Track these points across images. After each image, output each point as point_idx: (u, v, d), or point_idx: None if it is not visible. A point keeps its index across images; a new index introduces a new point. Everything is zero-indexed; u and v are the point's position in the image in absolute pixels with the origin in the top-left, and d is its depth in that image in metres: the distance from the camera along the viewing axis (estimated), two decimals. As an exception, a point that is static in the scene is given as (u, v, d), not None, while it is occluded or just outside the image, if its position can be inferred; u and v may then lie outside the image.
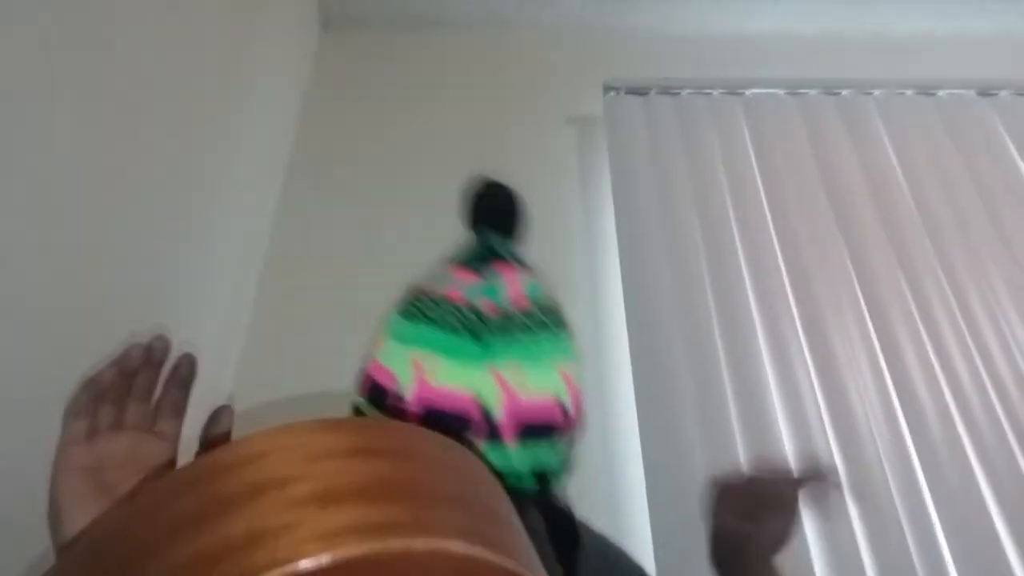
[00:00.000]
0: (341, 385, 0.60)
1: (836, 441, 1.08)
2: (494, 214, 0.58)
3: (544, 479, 0.46)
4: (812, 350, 1.16)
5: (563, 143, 1.52)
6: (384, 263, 1.35)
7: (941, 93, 1.54)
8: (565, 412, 0.47)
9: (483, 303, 0.49)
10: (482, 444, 0.44)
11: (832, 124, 1.45)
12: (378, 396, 0.47)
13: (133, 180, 0.83)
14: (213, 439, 0.41)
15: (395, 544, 0.20)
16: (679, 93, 1.49)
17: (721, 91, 1.50)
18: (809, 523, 1.01)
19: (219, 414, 0.42)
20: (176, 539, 0.21)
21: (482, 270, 0.52)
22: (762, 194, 1.35)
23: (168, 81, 0.92)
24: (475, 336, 0.47)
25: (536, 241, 1.36)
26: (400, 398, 0.45)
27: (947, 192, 1.36)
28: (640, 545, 1.05)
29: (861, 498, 1.03)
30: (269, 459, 0.23)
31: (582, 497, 1.09)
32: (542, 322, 0.49)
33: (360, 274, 1.31)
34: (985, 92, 1.54)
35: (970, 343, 1.18)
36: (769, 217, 1.32)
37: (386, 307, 1.40)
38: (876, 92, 1.53)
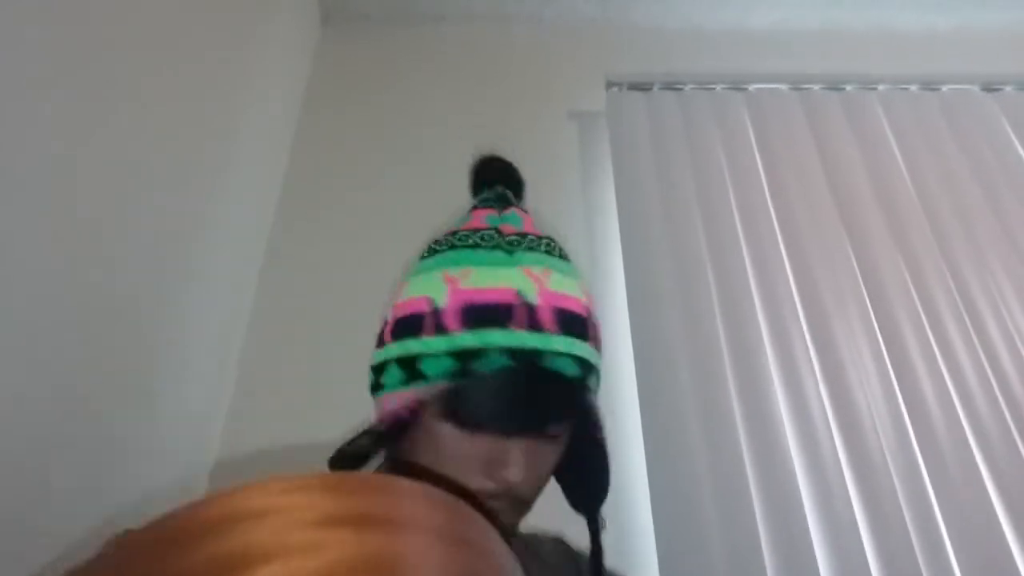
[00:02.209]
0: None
1: (840, 436, 1.08)
2: (501, 175, 0.61)
3: (586, 366, 0.47)
4: (816, 345, 1.16)
5: (565, 138, 1.52)
6: (385, 261, 1.34)
7: (945, 88, 1.53)
8: (588, 313, 0.49)
9: (503, 226, 0.52)
10: (523, 332, 0.45)
11: (835, 119, 1.45)
12: (410, 327, 0.47)
13: (132, 179, 0.83)
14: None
15: None
16: (682, 88, 1.49)
17: (724, 86, 1.49)
18: (811, 514, 1.01)
19: None
20: None
21: (500, 208, 0.55)
22: (765, 189, 1.34)
23: (168, 77, 0.91)
24: (503, 249, 0.49)
25: (538, 237, 1.36)
26: (437, 312, 0.46)
27: (950, 187, 1.36)
28: (640, 546, 1.05)
29: (864, 493, 1.02)
30: (239, 528, 0.22)
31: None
32: (557, 247, 0.53)
33: (361, 273, 1.31)
34: (989, 87, 1.54)
35: (974, 337, 1.18)
36: (772, 212, 1.31)
37: (384, 300, 1.39)
38: (880, 87, 1.52)
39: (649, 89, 1.48)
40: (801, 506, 1.00)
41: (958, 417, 1.09)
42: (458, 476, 0.45)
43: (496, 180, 0.60)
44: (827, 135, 1.42)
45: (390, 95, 1.57)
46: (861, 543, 0.98)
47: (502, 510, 0.46)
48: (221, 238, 1.11)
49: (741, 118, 1.44)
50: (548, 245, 0.52)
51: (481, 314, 0.45)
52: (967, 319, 1.20)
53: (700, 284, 1.20)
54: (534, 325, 0.45)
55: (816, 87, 1.50)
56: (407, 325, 0.48)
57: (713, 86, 1.49)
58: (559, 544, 0.62)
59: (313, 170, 1.44)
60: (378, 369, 0.50)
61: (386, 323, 0.51)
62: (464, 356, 0.44)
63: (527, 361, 0.44)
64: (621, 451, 1.14)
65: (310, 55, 1.61)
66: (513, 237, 0.51)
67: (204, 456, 1.06)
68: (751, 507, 1.00)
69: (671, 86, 1.48)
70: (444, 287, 0.47)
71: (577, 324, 0.47)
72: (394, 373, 0.48)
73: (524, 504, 0.48)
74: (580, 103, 1.55)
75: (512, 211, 0.55)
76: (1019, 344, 1.17)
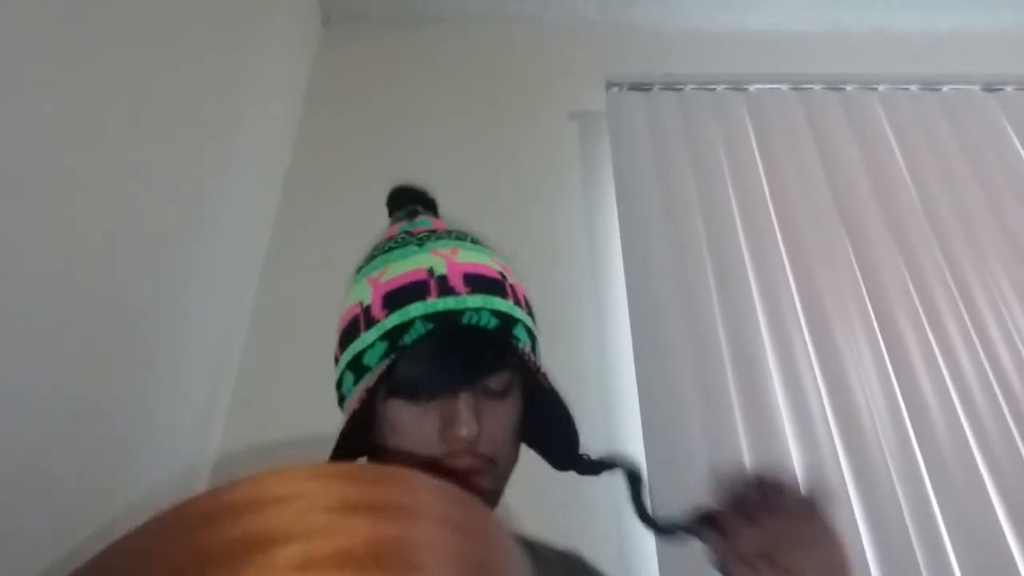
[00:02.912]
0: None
1: (839, 436, 1.08)
2: (411, 198, 0.67)
3: (505, 320, 0.51)
4: (816, 345, 1.16)
5: (565, 139, 1.52)
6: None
7: (945, 88, 1.53)
8: (504, 276, 0.54)
9: (414, 230, 0.57)
10: (437, 299, 0.49)
11: (836, 119, 1.45)
12: (350, 332, 0.52)
13: (133, 179, 0.83)
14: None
15: None
16: (682, 88, 1.49)
17: (724, 86, 1.49)
18: None
19: None
20: None
21: (410, 219, 0.61)
22: (766, 190, 1.34)
23: (168, 77, 0.91)
24: (413, 244, 0.54)
25: (538, 238, 1.37)
26: (366, 310, 0.51)
27: (951, 187, 1.36)
28: (640, 547, 1.05)
29: (864, 492, 1.02)
30: (257, 512, 0.23)
31: (583, 497, 1.09)
32: (465, 234, 0.58)
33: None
34: (990, 87, 1.53)
35: (974, 337, 1.17)
36: (773, 213, 1.31)
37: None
38: (880, 87, 1.52)
39: (649, 89, 1.48)
40: (801, 507, 1.00)
41: (958, 416, 1.09)
42: (420, 448, 0.48)
43: (406, 203, 0.66)
44: (827, 135, 1.42)
45: (391, 95, 1.57)
46: (861, 544, 0.98)
47: (479, 477, 0.49)
48: (221, 238, 1.11)
49: (741, 118, 1.44)
50: (458, 234, 0.57)
51: (399, 295, 0.50)
52: (967, 319, 1.20)
53: (700, 284, 1.20)
54: (446, 291, 0.49)
55: (816, 87, 1.50)
56: (347, 332, 0.53)
57: (713, 86, 1.49)
58: (571, 557, 0.64)
59: (314, 170, 1.45)
60: (338, 384, 0.55)
61: (337, 333, 0.56)
62: (392, 335, 0.49)
63: (446, 323, 0.49)
64: (621, 451, 1.14)
65: (311, 55, 1.61)
66: (423, 234, 0.56)
67: (205, 456, 1.07)
68: (751, 507, 1.00)
69: (671, 86, 1.48)
70: (368, 288, 0.52)
71: (489, 283, 0.51)
72: (348, 378, 0.52)
73: (494, 465, 0.50)
74: (580, 103, 1.55)
75: (420, 218, 0.60)
76: (1019, 343, 1.17)
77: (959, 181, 1.37)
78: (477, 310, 0.49)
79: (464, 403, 0.47)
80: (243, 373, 1.18)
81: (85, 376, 0.74)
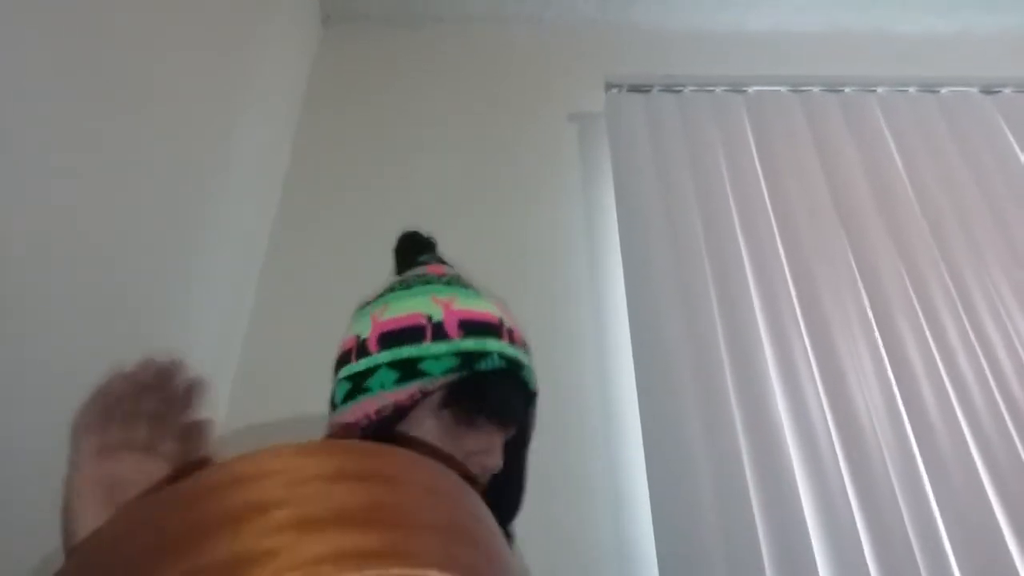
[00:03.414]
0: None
1: (839, 438, 1.08)
2: (416, 248, 0.73)
3: (512, 363, 0.56)
4: (815, 347, 1.16)
5: (565, 139, 1.52)
6: (385, 261, 1.34)
7: (944, 90, 1.53)
8: (501, 320, 0.58)
9: (406, 278, 0.63)
10: (506, 344, 0.56)
11: (835, 121, 1.45)
12: (344, 360, 0.58)
13: (133, 179, 0.83)
14: (198, 458, 0.44)
15: (371, 574, 0.21)
16: (681, 90, 1.49)
17: (723, 88, 1.49)
18: (810, 514, 1.01)
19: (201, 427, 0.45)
20: (160, 561, 0.21)
21: (408, 270, 0.66)
22: (764, 191, 1.35)
23: (168, 77, 0.91)
24: (410, 286, 0.60)
25: (537, 239, 1.37)
26: (363, 342, 0.56)
27: (949, 188, 1.36)
28: (640, 549, 1.05)
29: (864, 495, 1.03)
30: (254, 483, 0.24)
31: (584, 498, 1.10)
32: (459, 278, 0.63)
33: (361, 272, 1.31)
34: (988, 89, 1.54)
35: (972, 339, 1.18)
36: (771, 214, 1.32)
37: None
38: (879, 89, 1.52)
39: (648, 91, 1.48)
40: (801, 509, 1.01)
41: (957, 419, 1.10)
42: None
43: (413, 256, 0.71)
44: (826, 137, 1.42)
45: (390, 96, 1.57)
46: (860, 545, 0.98)
47: None
48: (222, 238, 1.11)
49: (740, 120, 1.45)
50: (451, 279, 0.63)
51: (477, 327, 0.56)
52: (966, 321, 1.20)
53: (699, 284, 1.20)
54: (512, 341, 0.57)
55: (815, 89, 1.51)
56: (342, 358, 0.59)
57: (712, 88, 1.49)
58: None
59: (313, 170, 1.45)
60: (359, 376, 0.56)
61: (357, 342, 0.59)
62: (465, 357, 0.54)
63: (513, 365, 0.55)
64: (621, 454, 1.14)
65: (310, 56, 1.61)
66: (416, 280, 0.62)
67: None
68: (751, 510, 1.00)
69: (671, 88, 1.49)
70: (369, 323, 0.58)
71: (488, 327, 0.57)
72: (387, 375, 0.55)
73: None
74: (580, 104, 1.55)
75: (421, 268, 0.65)
76: (1017, 345, 1.17)
77: (957, 182, 1.37)
78: (525, 367, 0.57)
79: (501, 439, 0.54)
80: (243, 374, 1.18)
81: (85, 377, 0.73)
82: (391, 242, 1.34)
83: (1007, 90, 1.54)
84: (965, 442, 1.07)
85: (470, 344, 0.54)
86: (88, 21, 0.72)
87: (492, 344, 0.54)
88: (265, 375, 1.18)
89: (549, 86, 1.60)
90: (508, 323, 0.58)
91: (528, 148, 1.50)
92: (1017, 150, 1.44)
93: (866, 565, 0.96)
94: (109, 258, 0.78)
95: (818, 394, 1.11)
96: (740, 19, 1.72)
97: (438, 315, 0.56)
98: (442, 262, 0.70)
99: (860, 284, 1.24)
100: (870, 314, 1.20)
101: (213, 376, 1.10)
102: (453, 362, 0.53)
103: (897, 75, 1.56)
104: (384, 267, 1.33)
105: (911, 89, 1.53)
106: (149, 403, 0.44)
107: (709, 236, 1.27)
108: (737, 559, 0.96)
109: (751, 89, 1.50)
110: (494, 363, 0.54)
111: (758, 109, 1.46)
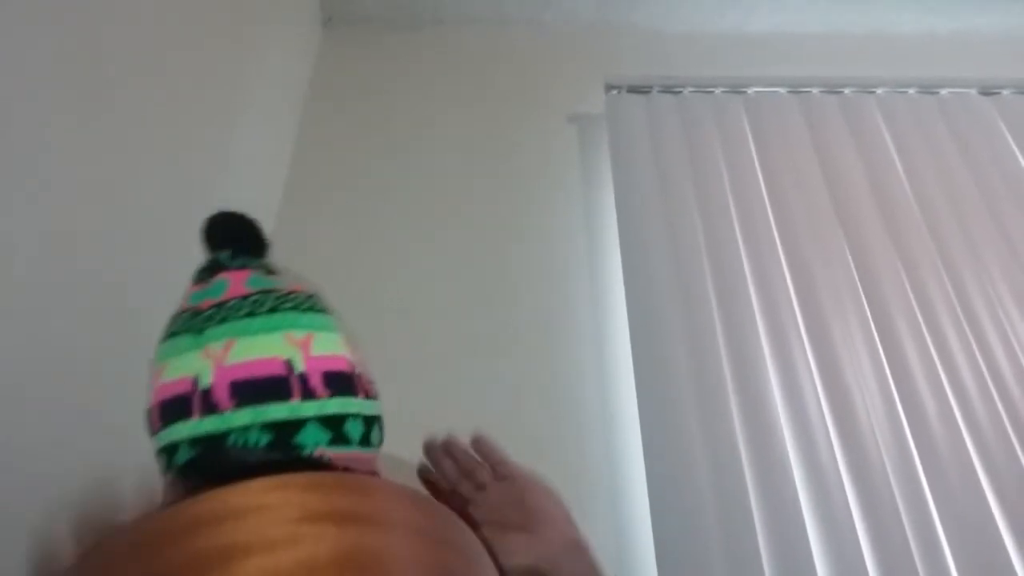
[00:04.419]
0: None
1: (837, 437, 1.08)
2: (225, 235, 0.56)
3: (281, 430, 0.43)
4: (814, 348, 1.16)
5: (565, 141, 1.52)
6: (387, 264, 1.35)
7: (943, 92, 1.54)
8: (291, 368, 0.45)
9: (202, 303, 0.49)
10: (198, 418, 0.43)
11: (834, 123, 1.45)
12: (173, 410, 0.45)
13: (133, 181, 0.83)
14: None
15: None
16: (681, 91, 1.49)
17: (723, 89, 1.50)
18: (809, 516, 1.01)
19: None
20: None
21: (207, 278, 0.52)
22: (764, 193, 1.35)
23: (168, 77, 0.91)
24: (193, 331, 0.47)
25: (537, 240, 1.37)
26: (148, 412, 0.46)
27: (948, 190, 1.36)
28: (639, 552, 1.05)
29: (862, 496, 1.03)
30: (217, 527, 0.23)
31: (584, 497, 1.10)
32: (260, 303, 0.49)
33: (362, 275, 1.31)
34: (987, 91, 1.54)
35: (971, 340, 1.18)
36: (771, 216, 1.32)
37: (384, 302, 1.39)
38: (878, 91, 1.53)
39: (648, 92, 1.48)
40: (800, 510, 1.01)
41: (956, 421, 1.10)
42: None
43: (224, 242, 0.56)
44: (825, 138, 1.43)
45: (391, 98, 1.58)
46: (859, 547, 0.98)
47: None
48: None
49: (740, 121, 1.45)
50: (243, 303, 0.48)
51: (164, 410, 0.44)
52: (965, 323, 1.20)
53: (698, 286, 1.21)
54: (209, 406, 0.43)
55: (815, 90, 1.51)
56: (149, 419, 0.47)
57: (712, 89, 1.50)
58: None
59: (314, 171, 1.45)
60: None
61: (194, 388, 0.47)
62: (165, 453, 0.44)
63: (210, 447, 0.42)
64: (620, 456, 1.14)
65: (311, 57, 1.62)
66: (209, 311, 0.48)
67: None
68: (749, 510, 1.00)
69: (670, 89, 1.49)
70: (150, 387, 0.47)
71: (266, 387, 0.44)
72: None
73: None
74: (579, 106, 1.55)
75: (219, 278, 0.51)
76: (1016, 347, 1.17)
77: (956, 183, 1.37)
78: (245, 429, 0.42)
79: None
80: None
81: (85, 378, 0.74)
82: (392, 245, 1.36)
83: (1006, 91, 1.54)
84: (963, 443, 1.08)
85: (162, 439, 0.43)
86: (87, 21, 0.73)
87: (179, 431, 0.42)
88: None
89: (549, 87, 1.60)
90: (210, 378, 0.44)
91: (528, 149, 1.50)
92: (1016, 151, 1.45)
93: (864, 565, 0.96)
94: (109, 259, 0.78)
95: (816, 393, 1.11)
96: (739, 20, 1.72)
97: (298, 363, 0.45)
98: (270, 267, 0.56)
99: (859, 284, 1.24)
100: (868, 314, 1.21)
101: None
102: (161, 460, 0.44)
103: (896, 76, 1.56)
104: (384, 268, 1.33)
105: (910, 90, 1.54)
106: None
107: (708, 236, 1.27)
108: (735, 558, 0.96)
109: (750, 90, 1.50)
110: (181, 459, 0.42)
111: (757, 110, 1.46)
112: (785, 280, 1.24)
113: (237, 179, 1.17)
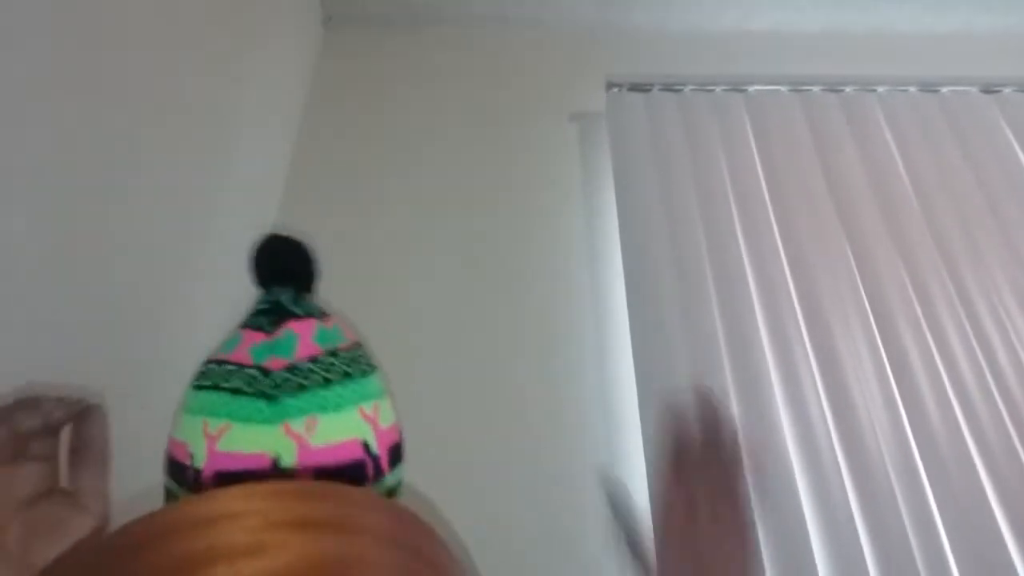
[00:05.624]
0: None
1: (839, 439, 1.08)
2: (281, 269, 0.53)
3: None
4: (814, 346, 1.16)
5: (565, 139, 1.52)
6: (387, 263, 1.35)
7: (944, 90, 1.53)
8: (368, 450, 0.45)
9: (271, 361, 0.46)
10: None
11: (835, 121, 1.45)
12: (177, 472, 0.44)
13: (133, 181, 0.83)
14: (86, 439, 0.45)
15: None
16: (681, 90, 1.49)
17: (723, 88, 1.50)
18: (810, 514, 1.01)
19: (89, 412, 0.43)
20: None
21: (269, 328, 0.48)
22: (764, 191, 1.35)
23: (168, 77, 0.91)
24: (266, 397, 0.44)
25: (538, 239, 1.37)
26: (197, 471, 0.43)
27: (949, 188, 1.36)
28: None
29: (863, 496, 1.03)
30: (185, 536, 0.22)
31: (583, 497, 1.10)
32: (334, 367, 0.47)
33: (363, 275, 1.31)
34: (988, 89, 1.54)
35: (972, 340, 1.18)
36: (772, 214, 1.32)
37: (384, 302, 1.38)
38: (879, 89, 1.52)
39: (649, 90, 1.48)
40: (801, 508, 1.01)
41: (957, 420, 1.10)
42: None
43: (275, 277, 0.53)
44: (826, 137, 1.42)
45: (391, 97, 1.57)
46: (860, 547, 0.98)
47: None
48: (222, 239, 1.11)
49: (740, 119, 1.45)
50: (317, 369, 0.46)
51: (229, 481, 0.41)
52: (966, 321, 1.20)
53: (700, 284, 1.20)
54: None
55: (816, 89, 1.51)
56: (175, 468, 0.45)
57: (713, 88, 1.49)
58: None
59: (315, 172, 1.45)
60: (166, 492, 0.47)
61: (166, 451, 0.47)
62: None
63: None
64: (621, 457, 1.14)
65: (312, 57, 1.62)
66: (280, 374, 0.45)
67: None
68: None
69: (671, 87, 1.49)
70: (203, 444, 0.43)
71: (347, 472, 0.43)
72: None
73: None
74: (580, 104, 1.55)
75: (287, 330, 0.47)
76: (1017, 345, 1.17)
77: (958, 182, 1.37)
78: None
79: None
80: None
81: (85, 379, 0.74)
82: (393, 244, 1.36)
83: (1007, 89, 1.54)
84: (964, 441, 1.08)
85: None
86: (87, 21, 0.73)
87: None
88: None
89: (550, 86, 1.60)
90: (294, 459, 0.43)
91: (529, 148, 1.50)
92: (1017, 149, 1.45)
93: (865, 564, 0.96)
94: (108, 260, 0.78)
95: (817, 392, 1.11)
96: (740, 19, 1.72)
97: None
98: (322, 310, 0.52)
99: (860, 282, 1.24)
100: (870, 313, 1.20)
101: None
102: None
103: (897, 75, 1.56)
104: (384, 268, 1.33)
105: (911, 88, 1.53)
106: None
107: (709, 235, 1.27)
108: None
109: (751, 88, 1.50)
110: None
111: (758, 109, 1.46)
112: (786, 278, 1.24)
113: (237, 178, 1.17)
